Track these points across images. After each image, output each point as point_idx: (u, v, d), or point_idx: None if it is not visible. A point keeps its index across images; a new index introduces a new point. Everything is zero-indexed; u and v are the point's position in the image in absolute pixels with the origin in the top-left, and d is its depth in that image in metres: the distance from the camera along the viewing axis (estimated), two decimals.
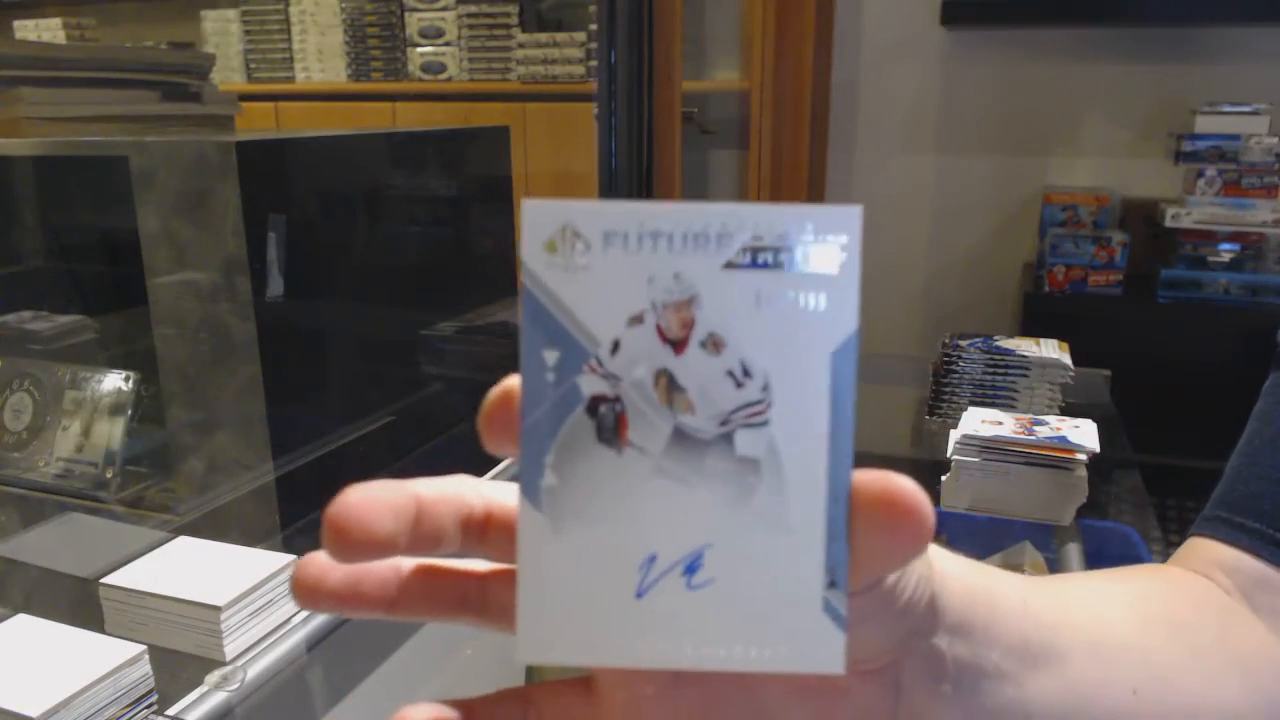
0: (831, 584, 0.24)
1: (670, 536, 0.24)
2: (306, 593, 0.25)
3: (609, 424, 0.24)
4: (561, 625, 0.24)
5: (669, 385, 0.24)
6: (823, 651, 0.24)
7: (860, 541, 0.23)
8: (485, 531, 0.26)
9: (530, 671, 0.86)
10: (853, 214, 0.24)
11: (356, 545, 0.24)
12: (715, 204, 0.23)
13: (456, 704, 0.27)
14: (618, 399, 0.24)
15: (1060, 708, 0.34)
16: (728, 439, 0.24)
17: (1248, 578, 0.43)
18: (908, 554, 0.24)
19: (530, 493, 0.24)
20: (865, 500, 0.23)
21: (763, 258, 0.24)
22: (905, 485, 0.23)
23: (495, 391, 0.25)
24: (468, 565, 0.28)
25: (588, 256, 0.23)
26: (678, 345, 0.24)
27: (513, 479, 0.25)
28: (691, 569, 0.24)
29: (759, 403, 0.24)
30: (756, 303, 0.24)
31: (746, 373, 0.24)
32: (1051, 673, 0.33)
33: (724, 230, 0.23)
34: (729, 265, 0.23)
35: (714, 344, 0.24)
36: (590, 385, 0.24)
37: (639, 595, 0.24)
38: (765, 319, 0.24)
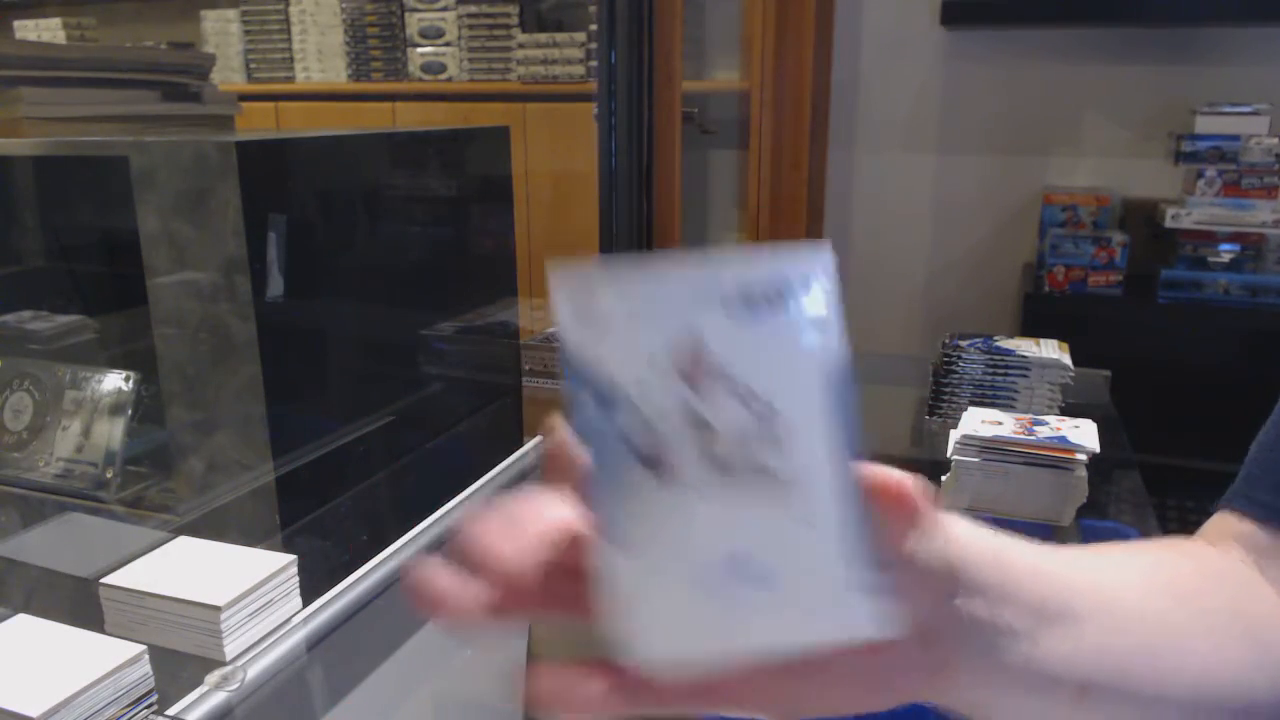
0: (859, 564, 0.27)
1: (719, 546, 0.28)
2: (427, 604, 0.30)
3: (649, 456, 0.27)
4: (644, 631, 0.28)
5: (695, 419, 0.27)
6: (865, 621, 0.28)
7: (872, 524, 0.28)
8: (576, 547, 0.30)
9: (530, 660, 0.85)
10: (824, 255, 0.27)
11: (477, 565, 0.29)
12: (712, 258, 0.27)
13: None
14: (653, 434, 0.27)
15: (1072, 664, 0.36)
16: (751, 459, 0.27)
17: (1259, 548, 0.45)
18: (908, 528, 0.30)
19: (599, 527, 0.28)
20: (869, 491, 0.28)
21: (756, 304, 0.27)
22: (897, 475, 0.28)
23: (549, 438, 0.29)
24: (564, 572, 0.32)
25: (610, 313, 0.27)
26: (697, 384, 0.27)
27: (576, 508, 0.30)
28: (742, 571, 0.28)
29: (772, 425, 0.27)
30: (759, 342, 0.27)
31: (758, 401, 0.27)
32: (1065, 632, 0.36)
33: (722, 284, 0.27)
34: (730, 312, 0.27)
35: (725, 380, 0.27)
36: (628, 424, 0.27)
37: (704, 597, 0.28)
38: (767, 355, 0.27)
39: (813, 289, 0.27)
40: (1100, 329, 2.11)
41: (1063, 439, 0.99)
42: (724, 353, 0.27)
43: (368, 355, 1.07)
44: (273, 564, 0.76)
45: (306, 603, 0.79)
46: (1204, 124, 2.04)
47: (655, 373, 0.27)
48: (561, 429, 0.29)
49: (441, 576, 0.30)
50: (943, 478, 0.99)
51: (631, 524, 0.28)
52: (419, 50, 2.92)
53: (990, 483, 0.98)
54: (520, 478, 1.15)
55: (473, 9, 2.85)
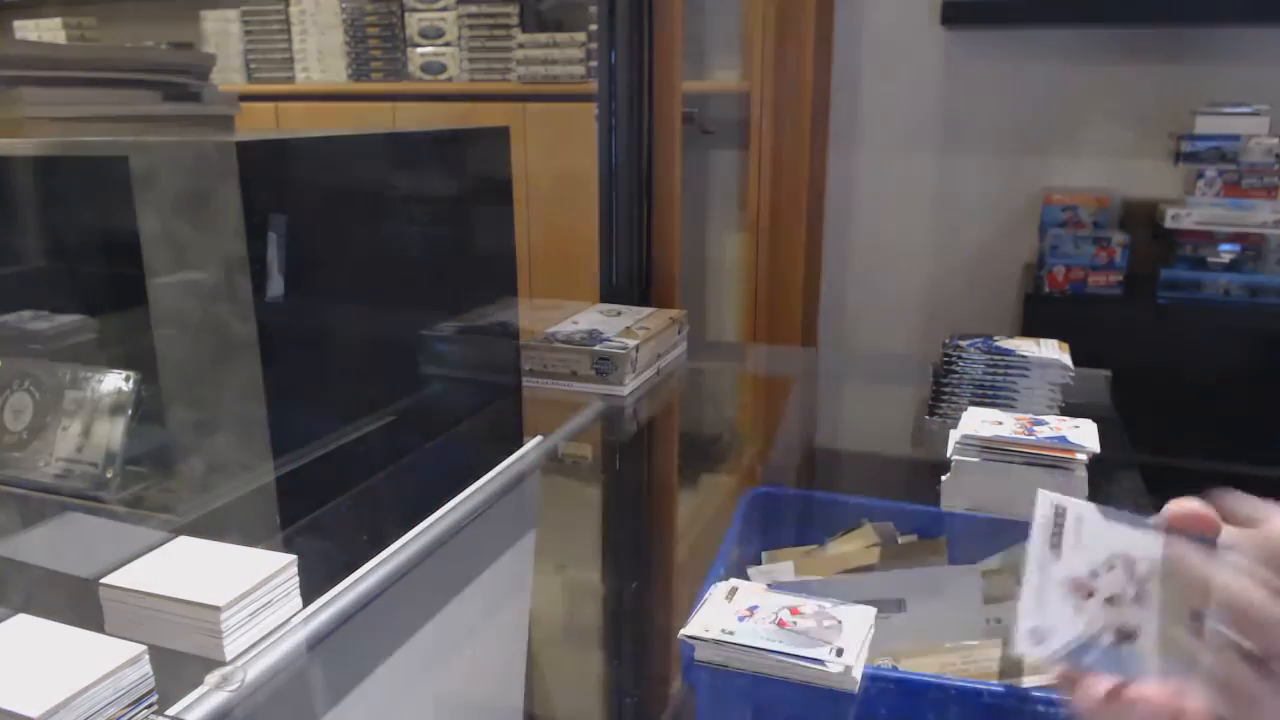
0: None
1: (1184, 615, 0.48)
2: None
3: (1124, 634, 0.49)
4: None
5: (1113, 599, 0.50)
6: None
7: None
8: None
9: (531, 664, 0.85)
10: (1048, 499, 0.55)
11: None
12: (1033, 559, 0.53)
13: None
14: (1116, 628, 0.50)
15: None
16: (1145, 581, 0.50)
17: None
18: (1213, 535, 0.49)
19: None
20: (1180, 520, 0.50)
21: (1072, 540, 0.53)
22: (1193, 504, 0.50)
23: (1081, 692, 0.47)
24: None
25: (1039, 614, 0.51)
26: (1086, 598, 0.51)
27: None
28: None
29: (1130, 569, 0.50)
30: (1086, 547, 0.53)
31: (1115, 562, 0.51)
32: None
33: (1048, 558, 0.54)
34: (1057, 551, 0.53)
35: (1107, 566, 0.51)
36: (1098, 641, 0.49)
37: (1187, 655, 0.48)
38: (1092, 552, 0.52)
39: (1049, 513, 0.53)
40: (1100, 329, 2.11)
41: (1063, 439, 0.99)
42: (1078, 573, 0.50)
43: (368, 355, 1.07)
44: (273, 564, 0.76)
45: (306, 603, 0.79)
46: (1204, 124, 2.04)
47: (1072, 611, 0.50)
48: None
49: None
50: (943, 478, 0.99)
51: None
52: (419, 50, 2.92)
53: (990, 482, 0.98)
54: (520, 478, 1.15)
55: (473, 9, 2.85)
